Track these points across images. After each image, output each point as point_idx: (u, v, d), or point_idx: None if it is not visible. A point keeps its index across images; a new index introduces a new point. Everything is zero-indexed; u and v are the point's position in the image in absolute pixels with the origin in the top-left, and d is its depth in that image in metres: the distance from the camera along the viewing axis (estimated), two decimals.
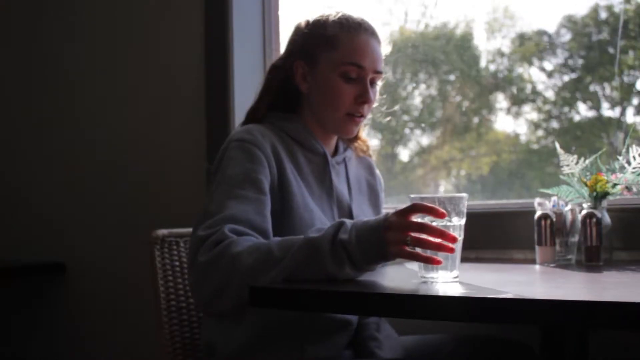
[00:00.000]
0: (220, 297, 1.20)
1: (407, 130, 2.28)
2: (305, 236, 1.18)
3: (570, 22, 2.00)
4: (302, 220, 1.36)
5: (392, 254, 1.13)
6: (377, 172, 1.65)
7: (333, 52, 1.42)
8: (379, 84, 1.49)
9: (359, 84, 1.42)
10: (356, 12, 1.49)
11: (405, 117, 2.27)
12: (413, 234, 1.10)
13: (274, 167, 1.35)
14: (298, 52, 1.47)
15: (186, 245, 1.63)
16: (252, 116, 1.49)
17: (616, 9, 1.90)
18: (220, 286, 1.19)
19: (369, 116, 1.54)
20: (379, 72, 1.44)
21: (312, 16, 1.50)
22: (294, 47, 1.49)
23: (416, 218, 1.12)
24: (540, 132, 2.10)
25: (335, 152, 1.55)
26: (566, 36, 2.01)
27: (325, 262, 1.14)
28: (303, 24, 1.50)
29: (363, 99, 1.42)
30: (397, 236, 1.11)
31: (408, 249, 1.11)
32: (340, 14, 1.46)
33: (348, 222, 1.17)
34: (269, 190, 1.33)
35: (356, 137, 1.59)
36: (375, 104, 1.51)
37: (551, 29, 2.02)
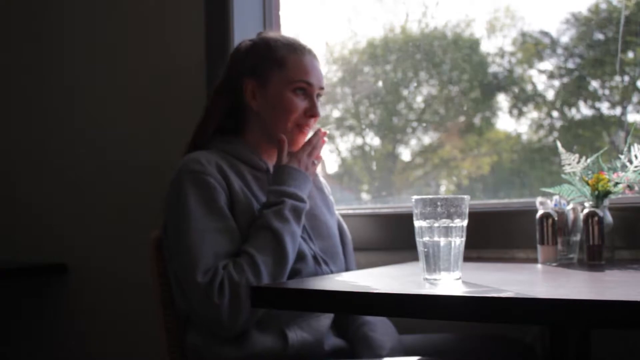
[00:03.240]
0: (256, 312, 1.38)
1: (408, 130, 2.28)
2: (266, 224, 1.41)
3: (571, 21, 2.00)
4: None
5: (311, 173, 1.53)
6: (321, 178, 1.71)
7: (282, 71, 1.55)
8: (322, 99, 1.62)
9: (307, 99, 1.56)
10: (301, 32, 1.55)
11: (407, 117, 2.27)
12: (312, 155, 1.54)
13: (225, 188, 1.46)
14: (246, 71, 1.57)
15: None
16: (198, 140, 1.59)
17: (617, 8, 1.90)
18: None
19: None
20: (322, 88, 1.59)
21: (255, 38, 1.63)
22: (241, 67, 1.59)
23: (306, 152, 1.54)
24: (541, 131, 2.10)
25: None
26: (567, 35, 2.01)
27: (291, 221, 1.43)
28: (245, 46, 1.61)
29: (312, 112, 1.56)
30: (306, 162, 1.53)
31: (315, 164, 1.56)
32: (284, 37, 1.60)
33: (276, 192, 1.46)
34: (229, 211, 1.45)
35: None
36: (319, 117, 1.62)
37: (552, 28, 2.02)
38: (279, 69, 1.55)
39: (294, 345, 1.41)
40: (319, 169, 1.66)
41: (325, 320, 1.49)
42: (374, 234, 1.92)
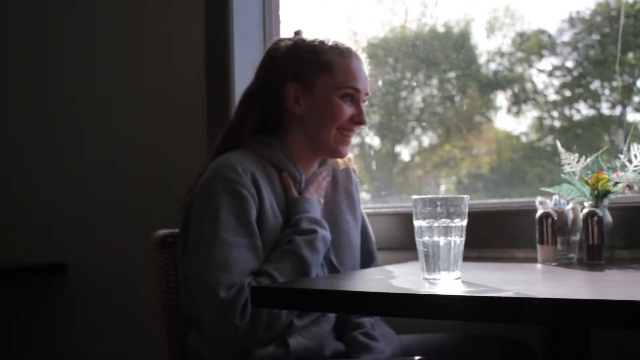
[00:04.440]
0: (272, 332, 1.36)
1: (407, 130, 2.28)
2: (294, 252, 1.40)
3: (571, 21, 2.00)
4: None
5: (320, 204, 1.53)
6: (354, 177, 1.66)
7: (330, 76, 1.48)
8: (366, 104, 1.57)
9: (354, 105, 1.51)
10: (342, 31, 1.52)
11: (406, 116, 2.27)
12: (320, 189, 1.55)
13: (257, 202, 1.42)
14: (289, 75, 1.50)
15: None
16: (233, 141, 1.51)
17: (617, 8, 1.90)
18: (273, 328, 1.36)
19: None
20: (367, 94, 1.54)
21: (294, 39, 1.53)
22: (282, 71, 1.51)
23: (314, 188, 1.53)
24: (541, 131, 2.10)
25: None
26: (567, 35, 2.01)
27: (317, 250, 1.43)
28: (286, 48, 1.52)
29: (359, 119, 1.51)
30: (318, 196, 1.53)
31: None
32: (328, 39, 1.51)
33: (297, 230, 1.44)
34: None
35: None
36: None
37: (552, 27, 2.02)
38: (326, 73, 1.48)
39: (295, 351, 1.39)
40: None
41: (325, 325, 1.47)
42: (374, 234, 1.92)
